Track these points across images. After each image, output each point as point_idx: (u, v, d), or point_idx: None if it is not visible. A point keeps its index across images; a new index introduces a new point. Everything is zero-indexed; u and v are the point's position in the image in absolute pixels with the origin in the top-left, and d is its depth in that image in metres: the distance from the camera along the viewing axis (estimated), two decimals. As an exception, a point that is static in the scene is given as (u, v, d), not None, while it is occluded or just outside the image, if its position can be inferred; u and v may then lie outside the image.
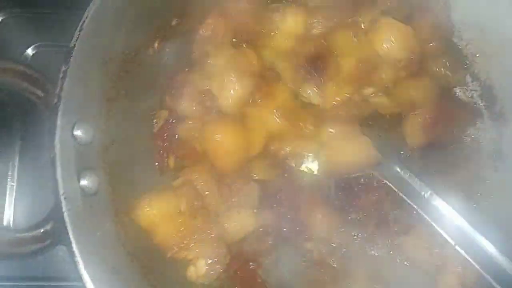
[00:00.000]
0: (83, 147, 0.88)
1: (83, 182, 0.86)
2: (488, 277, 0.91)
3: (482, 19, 1.08)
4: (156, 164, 1.08)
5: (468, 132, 1.12)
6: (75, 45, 0.86)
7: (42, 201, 1.18)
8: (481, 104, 1.15)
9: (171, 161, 1.08)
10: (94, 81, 0.92)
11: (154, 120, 1.08)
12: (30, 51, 1.36)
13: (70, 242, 0.79)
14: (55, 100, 0.84)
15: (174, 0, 1.05)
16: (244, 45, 1.08)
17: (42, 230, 0.79)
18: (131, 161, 1.01)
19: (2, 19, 1.35)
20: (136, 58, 1.01)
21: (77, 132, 0.87)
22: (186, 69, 1.10)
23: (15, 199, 1.24)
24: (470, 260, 0.93)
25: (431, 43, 1.09)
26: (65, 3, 1.15)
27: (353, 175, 1.05)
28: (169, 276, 0.99)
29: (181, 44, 1.09)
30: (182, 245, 0.97)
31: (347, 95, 1.04)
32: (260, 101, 1.03)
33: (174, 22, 1.07)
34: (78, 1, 0.89)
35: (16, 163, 1.26)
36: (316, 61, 1.04)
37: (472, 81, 1.16)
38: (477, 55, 1.14)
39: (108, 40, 0.94)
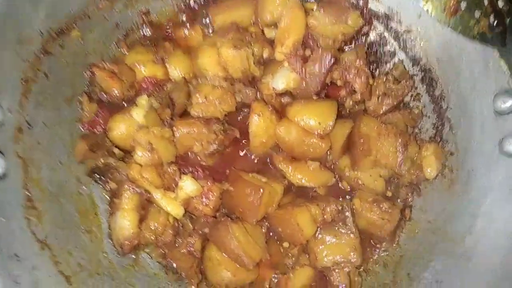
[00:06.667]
0: (-9, 129, 0.85)
1: (-12, 165, 0.83)
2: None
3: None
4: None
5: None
6: (-18, 23, 0.83)
7: None
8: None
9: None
10: (7, 61, 0.88)
11: (80, 106, 1.04)
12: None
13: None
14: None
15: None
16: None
17: None
18: (50, 146, 0.98)
19: None
20: (58, 40, 0.98)
21: (-16, 114, 0.83)
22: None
23: None
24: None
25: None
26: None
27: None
28: (85, 265, 0.96)
29: (104, 29, 1.06)
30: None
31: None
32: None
33: (101, 5, 1.03)
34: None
35: None
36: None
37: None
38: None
39: (23, 20, 0.90)
